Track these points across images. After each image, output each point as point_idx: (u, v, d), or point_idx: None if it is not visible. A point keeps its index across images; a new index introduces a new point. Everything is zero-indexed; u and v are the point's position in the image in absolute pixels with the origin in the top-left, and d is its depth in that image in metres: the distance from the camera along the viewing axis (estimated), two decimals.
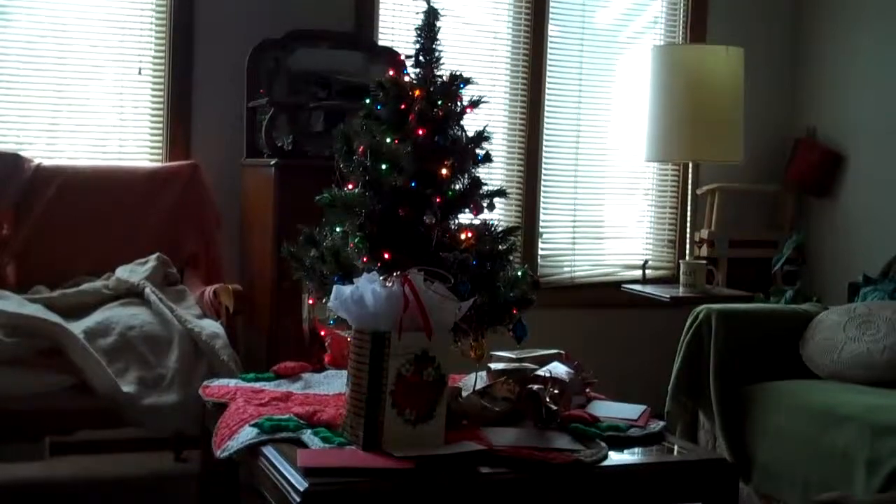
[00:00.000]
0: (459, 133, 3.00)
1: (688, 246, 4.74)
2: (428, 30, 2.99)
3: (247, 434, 2.57)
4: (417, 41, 3.01)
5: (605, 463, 2.56)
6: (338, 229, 2.96)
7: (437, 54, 3.02)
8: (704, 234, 4.91)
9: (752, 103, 4.64)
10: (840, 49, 4.98)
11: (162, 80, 4.21)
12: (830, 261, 4.92)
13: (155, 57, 4.20)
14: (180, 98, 4.22)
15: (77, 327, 3.29)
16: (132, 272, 3.66)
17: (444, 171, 2.90)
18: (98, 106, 4.15)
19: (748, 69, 4.53)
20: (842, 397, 3.38)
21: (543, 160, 4.86)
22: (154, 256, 3.74)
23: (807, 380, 3.66)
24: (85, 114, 4.14)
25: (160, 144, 4.22)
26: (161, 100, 4.22)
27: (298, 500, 2.22)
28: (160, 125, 4.22)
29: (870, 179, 4.77)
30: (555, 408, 2.69)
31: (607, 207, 5.04)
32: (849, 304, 3.96)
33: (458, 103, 2.99)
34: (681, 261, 4.64)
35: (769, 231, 5.11)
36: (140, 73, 4.18)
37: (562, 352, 3.20)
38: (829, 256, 4.95)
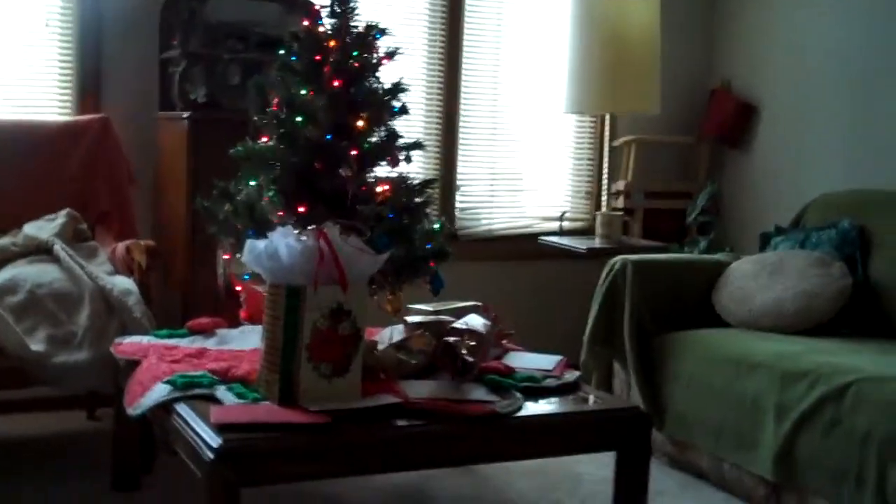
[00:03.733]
0: (375, 85, 2.98)
1: (604, 197, 4.78)
2: None
3: (160, 391, 2.54)
4: None
5: (521, 413, 2.59)
6: (252, 183, 2.93)
7: (352, 5, 2.99)
8: (621, 185, 4.95)
9: (669, 55, 4.67)
10: (755, 1, 5.02)
11: (70, 31, 4.09)
12: (744, 211, 5.00)
13: (63, 7, 4.08)
14: (90, 50, 4.10)
15: None
16: (41, 228, 3.57)
17: (360, 124, 2.88)
18: (4, 59, 4.02)
19: (664, 20, 4.55)
20: (753, 345, 3.45)
21: (461, 112, 4.84)
22: (64, 212, 3.65)
23: (719, 328, 3.72)
24: None
25: (69, 98, 4.11)
26: (70, 52, 4.10)
27: (212, 456, 2.20)
28: (69, 78, 4.10)
29: (782, 131, 4.85)
30: (471, 360, 2.70)
31: (525, 160, 5.04)
32: (761, 253, 4.03)
33: (374, 55, 2.97)
34: (597, 212, 4.67)
35: (684, 182, 5.17)
36: (47, 25, 4.06)
37: (479, 304, 3.22)
38: (742, 207, 5.02)
